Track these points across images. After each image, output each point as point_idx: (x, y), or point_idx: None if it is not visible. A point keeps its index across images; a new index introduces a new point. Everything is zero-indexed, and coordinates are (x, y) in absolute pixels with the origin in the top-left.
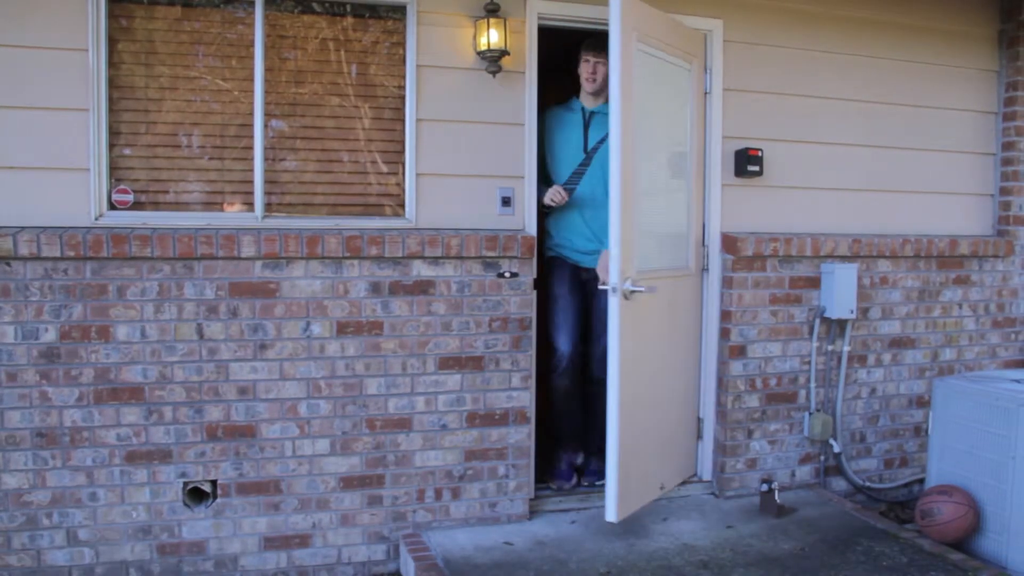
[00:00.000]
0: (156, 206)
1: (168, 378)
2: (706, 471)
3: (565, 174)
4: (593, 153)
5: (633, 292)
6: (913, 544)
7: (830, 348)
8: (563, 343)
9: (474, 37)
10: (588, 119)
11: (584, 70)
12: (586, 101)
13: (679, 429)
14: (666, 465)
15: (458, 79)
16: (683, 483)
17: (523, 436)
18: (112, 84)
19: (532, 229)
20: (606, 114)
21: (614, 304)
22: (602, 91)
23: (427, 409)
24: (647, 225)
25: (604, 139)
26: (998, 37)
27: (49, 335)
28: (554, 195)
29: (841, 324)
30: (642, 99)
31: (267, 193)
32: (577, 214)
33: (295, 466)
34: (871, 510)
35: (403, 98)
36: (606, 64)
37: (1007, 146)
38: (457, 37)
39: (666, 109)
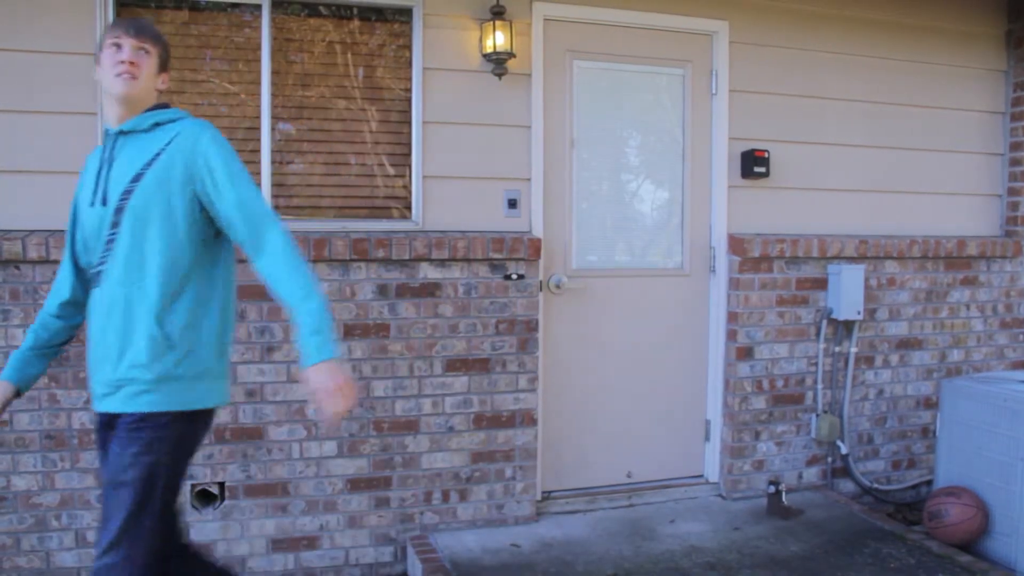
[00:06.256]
0: None
1: None
2: (713, 473)
3: (94, 250)
4: (125, 202)
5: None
6: (921, 546)
7: (837, 349)
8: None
9: (480, 39)
10: (113, 149)
11: (108, 59)
12: (111, 118)
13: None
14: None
15: (464, 81)
16: (690, 484)
17: (530, 438)
18: None
19: (539, 231)
20: (147, 132)
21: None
22: (143, 95)
23: (434, 411)
24: (602, 226)
25: (147, 169)
26: (1006, 37)
27: None
28: None
29: (848, 325)
30: (585, 110)
31: (274, 196)
32: (107, 320)
33: (302, 468)
34: (878, 512)
35: (409, 100)
36: (155, 45)
37: (1015, 146)
38: (463, 39)
39: (632, 115)
